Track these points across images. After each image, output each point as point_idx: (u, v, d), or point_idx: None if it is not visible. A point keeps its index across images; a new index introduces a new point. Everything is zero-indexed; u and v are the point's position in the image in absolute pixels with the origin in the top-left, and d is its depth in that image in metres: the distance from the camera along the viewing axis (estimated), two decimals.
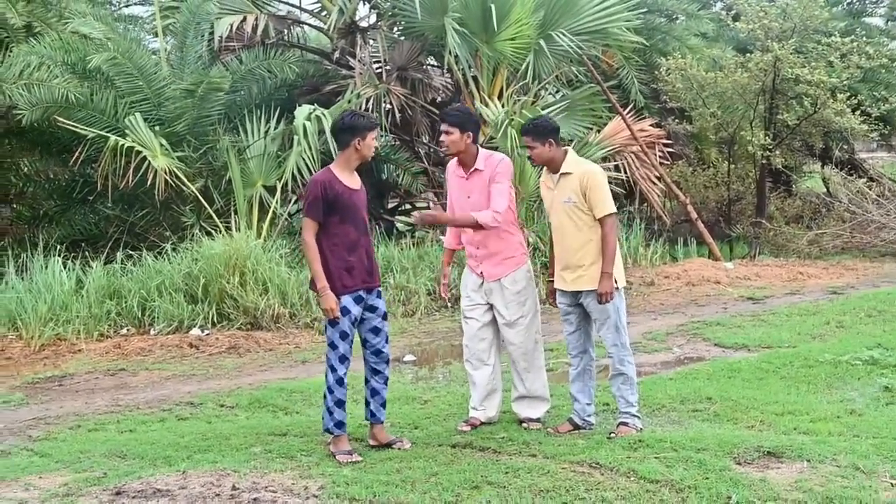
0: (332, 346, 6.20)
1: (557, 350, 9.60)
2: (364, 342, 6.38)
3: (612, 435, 6.36)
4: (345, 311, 6.14)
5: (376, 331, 6.35)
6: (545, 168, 6.68)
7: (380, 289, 6.40)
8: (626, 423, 6.48)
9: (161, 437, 6.86)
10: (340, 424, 6.23)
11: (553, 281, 6.78)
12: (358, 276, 6.18)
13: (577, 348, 6.70)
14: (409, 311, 12.33)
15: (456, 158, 6.82)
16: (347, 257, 6.14)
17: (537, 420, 6.83)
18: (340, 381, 6.20)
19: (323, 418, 6.28)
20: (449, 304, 12.39)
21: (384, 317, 6.40)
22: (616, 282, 6.43)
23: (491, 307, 6.82)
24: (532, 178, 12.29)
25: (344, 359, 6.19)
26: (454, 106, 7.22)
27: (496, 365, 6.92)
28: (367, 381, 6.45)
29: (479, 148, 6.83)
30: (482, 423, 6.83)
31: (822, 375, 8.09)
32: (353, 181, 6.28)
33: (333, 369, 6.19)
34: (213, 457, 6.20)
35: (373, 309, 6.32)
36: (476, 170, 6.73)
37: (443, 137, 6.74)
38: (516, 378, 6.88)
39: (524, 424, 6.79)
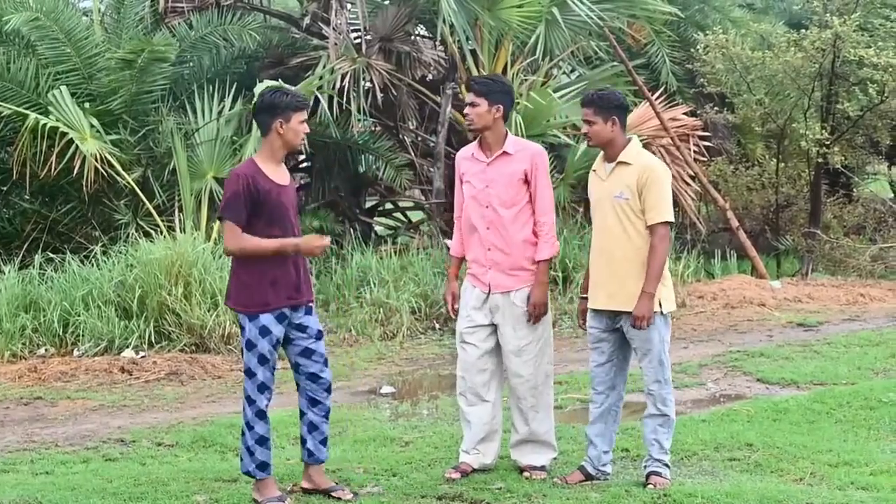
0: (249, 373, 6.21)
1: (567, 383, 9.60)
2: (295, 367, 6.39)
3: (650, 486, 6.35)
4: (264, 331, 6.14)
5: (308, 353, 6.34)
6: (600, 155, 6.67)
7: (311, 304, 6.39)
8: (658, 473, 6.46)
9: (84, 481, 6.81)
10: (264, 466, 6.22)
11: (586, 298, 6.76)
12: (282, 292, 6.18)
13: (604, 383, 6.67)
14: (388, 332, 12.31)
15: (477, 140, 6.85)
16: (271, 269, 6.14)
17: (541, 469, 6.81)
18: (261, 415, 6.21)
19: (241, 459, 6.28)
20: (437, 325, 12.38)
21: (318, 336, 6.38)
22: (661, 305, 6.41)
23: (494, 331, 6.81)
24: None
25: (264, 387, 6.20)
26: (484, 74, 7.24)
27: (497, 402, 6.90)
28: (302, 414, 6.44)
29: (508, 131, 6.88)
30: (475, 471, 6.81)
31: (885, 419, 8.09)
32: (281, 175, 6.27)
33: (251, 401, 6.20)
34: None
35: (302, 328, 6.31)
36: (504, 153, 6.75)
37: (467, 110, 6.79)
38: (518, 418, 6.86)
39: (526, 474, 6.77)
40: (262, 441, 6.21)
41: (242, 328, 6.22)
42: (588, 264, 6.77)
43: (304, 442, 6.45)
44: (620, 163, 6.48)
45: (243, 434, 6.24)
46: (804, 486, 6.46)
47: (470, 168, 6.86)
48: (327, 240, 6.23)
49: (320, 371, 6.38)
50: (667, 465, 6.52)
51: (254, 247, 6.10)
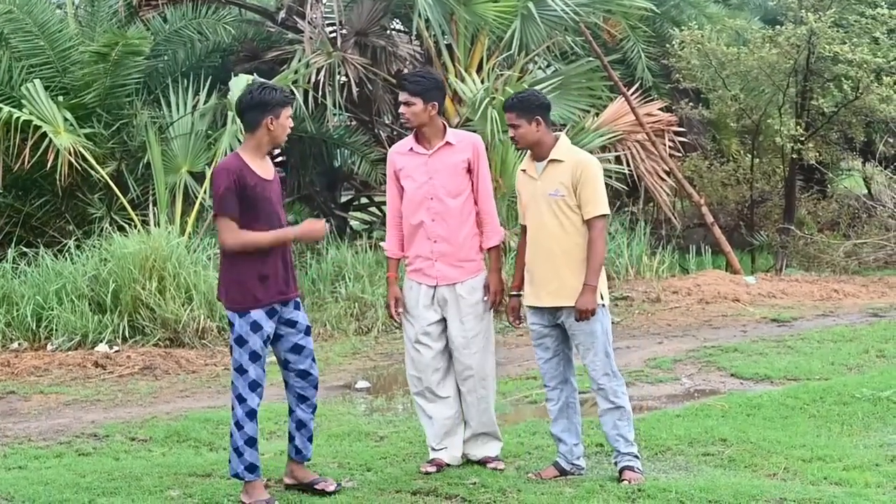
0: (240, 370, 6.13)
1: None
2: (284, 364, 6.36)
3: (625, 482, 6.37)
4: (255, 327, 6.11)
5: (298, 349, 6.33)
6: (527, 154, 6.70)
7: (298, 299, 6.39)
8: (631, 468, 6.47)
9: (57, 476, 6.78)
10: (253, 468, 6.16)
11: (518, 295, 6.79)
12: (273, 287, 6.16)
13: (555, 378, 6.70)
14: (363, 327, 12.31)
15: (412, 135, 6.86)
16: (261, 264, 6.12)
17: (499, 459, 6.87)
18: (252, 414, 6.14)
19: (230, 461, 6.22)
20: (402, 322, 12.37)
21: (307, 331, 6.37)
22: (601, 297, 6.45)
23: (445, 328, 6.81)
24: (515, 168, 12.30)
25: (255, 385, 6.14)
26: (415, 70, 7.24)
27: (455, 396, 6.90)
28: (291, 412, 6.42)
29: (446, 124, 6.88)
30: (448, 465, 6.82)
31: (858, 414, 8.13)
32: (266, 170, 6.25)
33: (242, 399, 6.13)
34: (120, 501, 6.15)
35: (291, 323, 6.30)
36: (447, 143, 6.76)
37: (402, 109, 6.78)
38: (469, 411, 6.87)
39: (491, 465, 6.80)
40: (252, 442, 6.14)
41: (231, 324, 6.17)
42: (518, 263, 6.80)
43: (291, 438, 6.43)
44: (552, 161, 6.52)
45: (231, 435, 6.17)
46: (777, 482, 6.48)
47: (409, 163, 6.83)
48: (325, 224, 6.22)
49: (309, 367, 6.36)
50: (636, 457, 6.55)
51: (253, 240, 6.08)
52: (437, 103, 6.74)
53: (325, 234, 6.26)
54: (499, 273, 6.82)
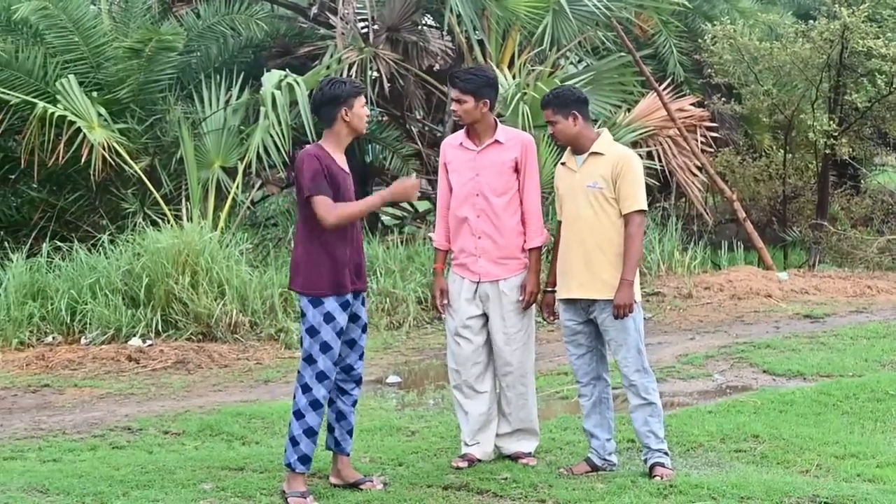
0: (309, 360, 6.17)
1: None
2: None
3: (656, 477, 6.35)
4: (328, 318, 6.14)
5: (352, 344, 6.37)
6: (568, 149, 6.69)
7: (364, 294, 6.41)
8: (662, 464, 6.47)
9: (91, 468, 6.83)
10: (305, 459, 6.18)
11: (553, 291, 6.79)
12: (348, 277, 6.20)
13: (588, 374, 6.69)
14: (394, 322, 12.32)
15: (465, 129, 6.87)
16: (342, 251, 6.18)
17: (531, 455, 6.87)
18: (315, 404, 6.16)
19: (285, 450, 6.24)
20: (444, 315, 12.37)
21: (364, 329, 6.41)
22: (634, 293, 6.43)
23: (486, 322, 6.82)
24: (548, 164, 12.30)
25: (323, 377, 6.16)
26: (466, 68, 7.26)
27: (492, 392, 6.93)
28: (331, 402, 6.43)
29: (497, 120, 6.88)
30: (479, 461, 6.82)
31: (892, 411, 8.09)
32: (345, 163, 6.35)
33: (307, 388, 6.15)
34: (154, 494, 6.18)
35: (355, 318, 6.34)
36: (495, 142, 6.76)
37: (454, 106, 6.81)
38: (508, 407, 6.89)
39: (522, 461, 6.80)
40: (311, 433, 6.15)
41: (304, 314, 6.20)
42: (553, 258, 6.79)
43: (331, 430, 6.45)
44: (593, 153, 6.52)
45: (290, 424, 6.19)
46: (810, 478, 6.45)
47: (457, 157, 6.86)
48: (417, 181, 6.27)
49: (355, 363, 6.41)
50: (666, 454, 6.54)
51: (350, 211, 6.17)
52: (488, 101, 6.75)
53: (418, 190, 6.30)
54: (537, 275, 6.81)
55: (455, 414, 7.06)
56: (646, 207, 6.50)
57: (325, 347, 6.14)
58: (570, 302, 6.60)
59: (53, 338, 11.12)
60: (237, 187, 13.14)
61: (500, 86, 13.25)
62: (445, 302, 6.94)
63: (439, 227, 7.04)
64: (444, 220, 6.98)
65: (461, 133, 6.93)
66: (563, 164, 6.71)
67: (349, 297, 6.21)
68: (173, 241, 11.45)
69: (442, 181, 6.97)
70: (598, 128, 6.71)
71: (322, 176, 6.11)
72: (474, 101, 6.71)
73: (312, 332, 6.15)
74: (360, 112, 6.28)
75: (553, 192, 6.92)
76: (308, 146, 6.41)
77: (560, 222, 6.69)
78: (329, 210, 6.10)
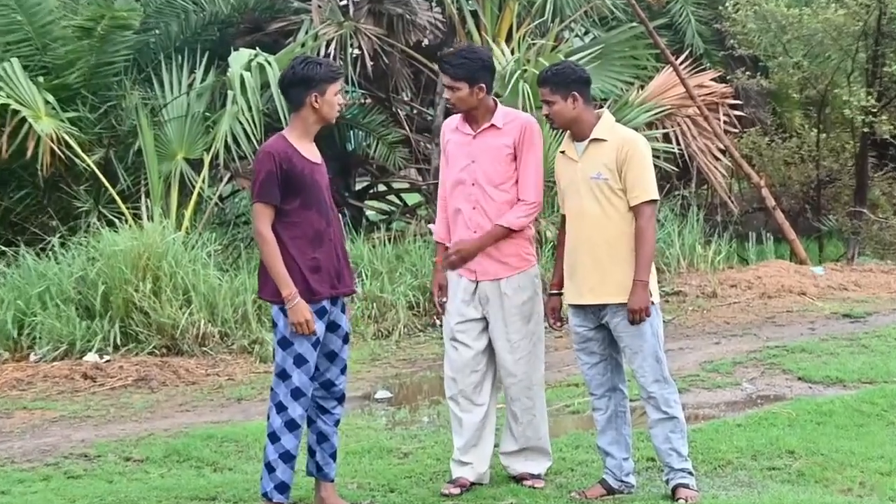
0: (283, 375, 6.17)
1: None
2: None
3: (679, 500, 6.35)
4: None
5: (332, 356, 6.36)
6: (567, 134, 6.69)
7: (345, 301, 6.40)
8: (686, 485, 6.47)
9: (44, 501, 6.83)
10: (283, 487, 6.19)
11: (558, 294, 6.78)
12: (325, 281, 6.21)
13: (602, 386, 6.69)
14: (382, 330, 12.32)
15: (462, 114, 6.88)
16: (312, 254, 6.17)
17: (538, 477, 6.85)
18: (292, 425, 6.16)
19: (261, 478, 6.25)
20: (438, 322, 12.37)
21: (345, 339, 6.40)
22: (651, 294, 6.43)
23: (486, 327, 6.82)
24: (552, 150, 12.31)
25: (299, 393, 6.16)
26: (455, 49, 7.22)
27: (491, 406, 6.93)
28: (311, 423, 6.43)
29: (497, 101, 6.88)
30: (473, 484, 6.82)
31: None
32: (313, 153, 6.34)
33: (281, 408, 6.16)
34: None
35: (334, 327, 6.33)
36: (491, 126, 6.77)
37: (447, 94, 6.83)
38: (512, 423, 6.89)
39: (527, 483, 6.80)
40: (288, 457, 6.16)
41: (275, 324, 6.21)
42: (558, 257, 6.80)
43: (312, 453, 6.46)
44: (594, 140, 6.52)
45: (265, 448, 6.21)
46: (852, 498, 6.47)
47: (454, 140, 6.89)
48: (314, 326, 6.10)
49: (336, 378, 6.40)
50: (691, 473, 6.54)
51: (266, 248, 6.11)
52: (484, 85, 6.75)
53: (306, 328, 6.13)
54: (475, 244, 6.70)
55: (451, 426, 7.04)
56: (657, 196, 6.50)
57: (300, 360, 6.13)
58: (579, 306, 6.60)
59: None
60: (203, 181, 13.13)
61: (496, 63, 13.33)
62: (444, 300, 6.95)
63: (440, 218, 7.06)
64: (445, 212, 7.00)
65: (459, 116, 6.94)
66: (561, 152, 6.70)
67: (325, 303, 6.21)
68: (132, 243, 11.44)
69: (444, 168, 7.00)
70: (609, 107, 6.70)
71: (274, 180, 6.09)
72: (469, 87, 6.71)
73: (285, 343, 6.14)
74: (332, 100, 6.27)
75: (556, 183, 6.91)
76: (270, 138, 6.40)
77: (563, 216, 6.69)
78: (260, 222, 6.12)
